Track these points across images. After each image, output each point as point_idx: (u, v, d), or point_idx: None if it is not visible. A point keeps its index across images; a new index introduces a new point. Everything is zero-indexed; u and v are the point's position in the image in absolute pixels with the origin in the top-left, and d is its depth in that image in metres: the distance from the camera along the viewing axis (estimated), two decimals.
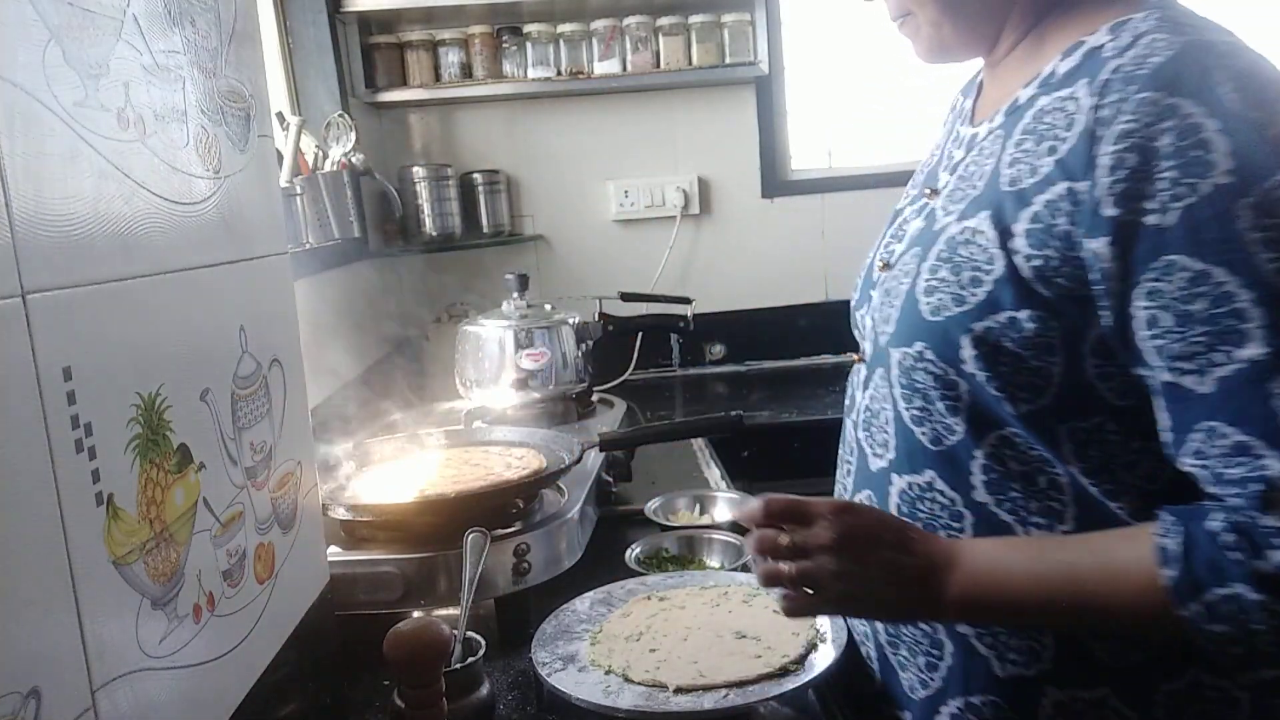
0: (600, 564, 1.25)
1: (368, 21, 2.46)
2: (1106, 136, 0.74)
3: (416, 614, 1.02)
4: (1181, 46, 0.74)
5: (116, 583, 0.61)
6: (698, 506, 1.51)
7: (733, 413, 1.42)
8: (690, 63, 2.52)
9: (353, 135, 2.04)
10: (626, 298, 2.07)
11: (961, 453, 0.86)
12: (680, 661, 0.94)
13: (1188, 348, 0.71)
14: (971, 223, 0.84)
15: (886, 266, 0.96)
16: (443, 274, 2.61)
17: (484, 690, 0.98)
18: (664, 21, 2.50)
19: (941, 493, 0.88)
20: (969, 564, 0.81)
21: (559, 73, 2.52)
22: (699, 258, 2.76)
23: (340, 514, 1.14)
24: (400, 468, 1.34)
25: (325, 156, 2.02)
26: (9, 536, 0.51)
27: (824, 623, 1.00)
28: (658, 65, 2.52)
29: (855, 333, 1.05)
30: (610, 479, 1.52)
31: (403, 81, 2.50)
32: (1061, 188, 0.77)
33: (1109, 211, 0.73)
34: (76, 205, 0.60)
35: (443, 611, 1.08)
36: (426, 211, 2.52)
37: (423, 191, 2.51)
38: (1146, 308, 0.73)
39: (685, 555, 1.34)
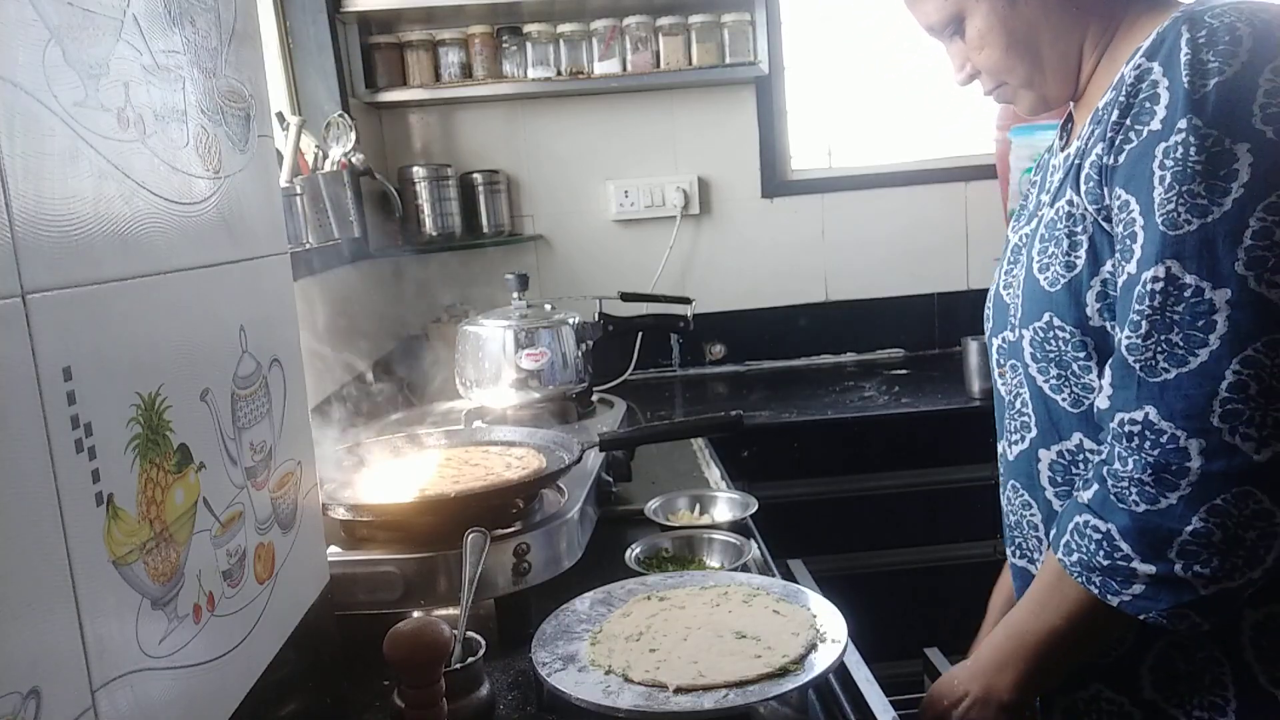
0: (600, 564, 1.25)
1: (368, 21, 2.46)
2: (1116, 100, 0.87)
3: (416, 614, 1.02)
4: (1172, 19, 0.85)
5: (116, 583, 0.61)
6: (698, 506, 1.51)
7: (733, 413, 1.42)
8: (690, 63, 2.52)
9: (353, 135, 2.04)
10: (626, 298, 2.07)
11: None
12: (680, 661, 0.94)
13: (1124, 260, 0.85)
14: (1060, 201, 0.95)
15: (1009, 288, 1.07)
16: (443, 274, 2.61)
17: (484, 690, 0.98)
18: (664, 21, 2.49)
19: (1093, 450, 0.94)
20: (987, 656, 0.98)
21: (559, 73, 2.52)
22: (699, 258, 2.76)
23: (340, 514, 1.14)
24: (400, 468, 1.34)
25: (325, 156, 2.02)
26: (9, 536, 0.51)
27: (824, 623, 1.00)
28: (658, 65, 2.52)
29: (998, 359, 1.11)
30: (610, 479, 1.52)
31: (403, 81, 2.50)
32: (1100, 145, 0.89)
33: (1105, 159, 0.87)
34: (76, 205, 0.60)
35: (443, 611, 1.08)
36: (426, 211, 2.52)
37: (423, 191, 2.51)
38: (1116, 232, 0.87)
39: (685, 555, 1.34)
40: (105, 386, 0.62)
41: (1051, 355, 0.95)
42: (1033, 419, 1.00)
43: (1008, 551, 1.11)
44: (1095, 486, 0.87)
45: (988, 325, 1.14)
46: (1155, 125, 0.82)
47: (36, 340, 0.55)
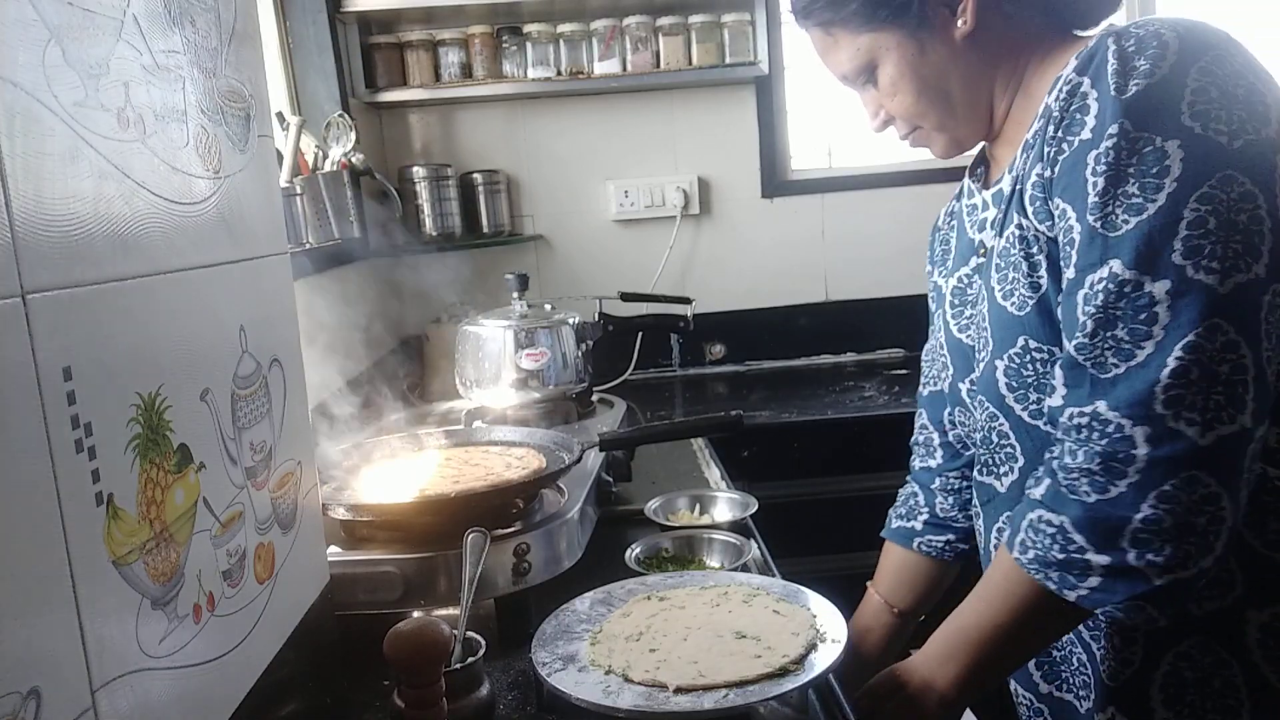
0: (600, 564, 1.25)
1: (368, 21, 2.46)
2: (1050, 117, 0.89)
3: (416, 614, 1.02)
4: (1098, 38, 0.87)
5: (116, 583, 0.61)
6: (698, 506, 1.51)
7: (733, 413, 1.42)
8: (690, 63, 2.53)
9: (353, 135, 2.04)
10: (626, 298, 2.07)
11: None
12: (680, 661, 0.94)
13: (1065, 267, 0.87)
14: (1010, 227, 0.96)
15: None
16: (443, 274, 2.61)
17: (484, 690, 0.98)
18: (664, 21, 2.50)
19: None
20: (931, 652, 1.00)
21: (559, 73, 2.52)
22: (699, 258, 2.76)
23: (340, 514, 1.14)
24: (400, 468, 1.34)
25: (325, 156, 2.02)
26: (9, 536, 0.51)
27: (824, 622, 1.00)
28: (658, 65, 2.52)
29: (971, 403, 1.09)
30: (610, 479, 1.52)
31: (403, 81, 2.50)
32: (1039, 165, 0.91)
33: (1045, 172, 0.89)
34: (76, 205, 0.60)
35: (443, 611, 1.08)
36: (426, 211, 2.52)
37: (423, 191, 2.51)
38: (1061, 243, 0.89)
39: (685, 555, 1.34)
40: (105, 386, 0.62)
41: (1029, 380, 0.96)
42: (1018, 449, 1.00)
43: None
44: (1046, 482, 0.88)
45: (946, 374, 1.14)
46: (1085, 134, 0.85)
47: (36, 340, 0.55)
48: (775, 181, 2.74)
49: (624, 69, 2.52)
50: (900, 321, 2.77)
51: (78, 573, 0.57)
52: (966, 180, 1.13)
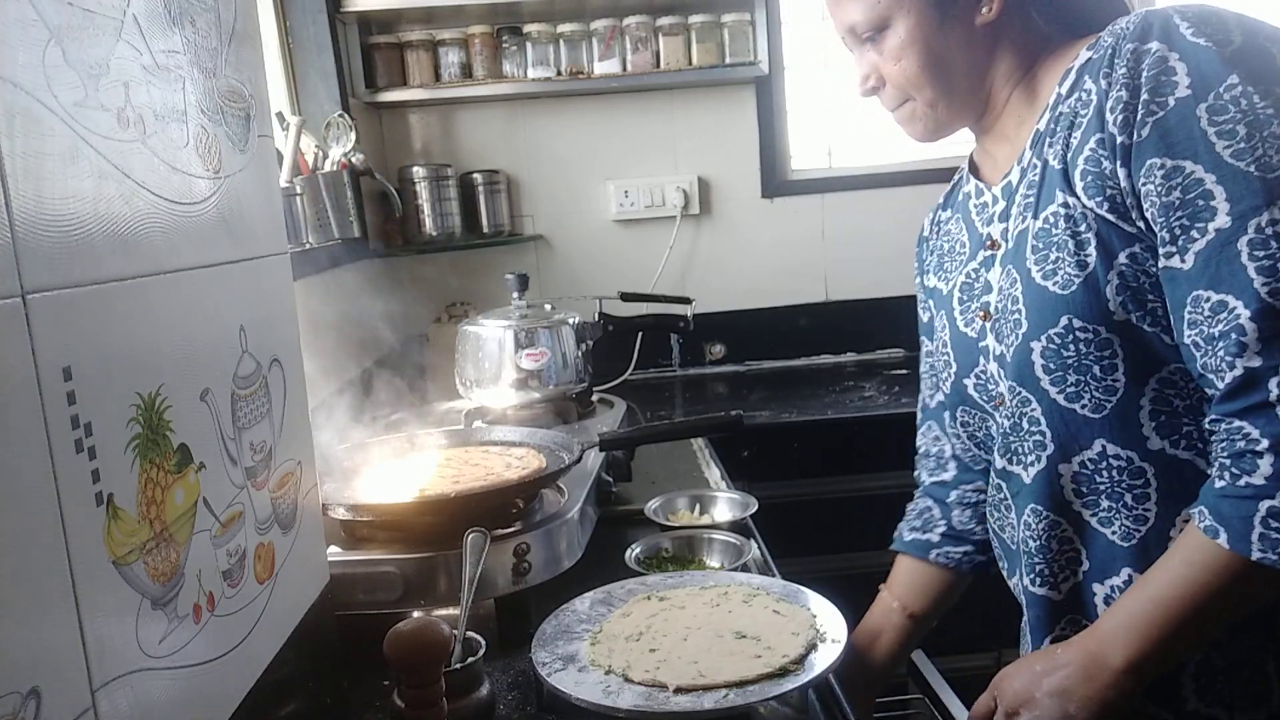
0: (600, 564, 1.25)
1: (368, 21, 2.46)
2: (1112, 87, 0.89)
3: (416, 614, 1.02)
4: (1145, 12, 0.90)
5: (116, 583, 0.61)
6: (698, 506, 1.51)
7: (733, 413, 1.42)
8: (690, 63, 2.53)
9: (353, 135, 2.04)
10: (626, 298, 2.07)
11: (1127, 407, 0.92)
12: (680, 661, 0.94)
13: (1169, 234, 0.85)
14: (1051, 208, 0.95)
15: (988, 316, 1.05)
16: (443, 274, 2.61)
17: (484, 690, 0.98)
18: (664, 21, 2.50)
19: (1115, 456, 0.94)
20: (1107, 626, 0.90)
21: (559, 73, 2.52)
22: (699, 258, 2.76)
23: (340, 514, 1.14)
24: (400, 468, 1.34)
25: (325, 156, 2.02)
26: (9, 536, 0.51)
27: (824, 622, 1.00)
28: (658, 65, 2.52)
29: (980, 398, 1.08)
30: (610, 479, 1.52)
31: (403, 81, 2.51)
32: (1093, 140, 0.90)
33: (1120, 140, 0.88)
34: (76, 205, 0.60)
35: (443, 611, 1.08)
36: (426, 211, 2.52)
37: (423, 191, 2.51)
38: (1146, 209, 0.87)
39: (685, 555, 1.34)
40: (105, 386, 0.62)
41: (1070, 361, 0.93)
42: (1048, 435, 0.97)
43: (1025, 580, 1.04)
44: (1270, 459, 0.80)
45: (950, 371, 1.11)
46: (1183, 92, 0.84)
47: (36, 340, 0.55)
48: (775, 181, 2.74)
49: (624, 69, 2.52)
50: (900, 321, 2.76)
51: (78, 573, 0.57)
52: (969, 181, 1.12)
